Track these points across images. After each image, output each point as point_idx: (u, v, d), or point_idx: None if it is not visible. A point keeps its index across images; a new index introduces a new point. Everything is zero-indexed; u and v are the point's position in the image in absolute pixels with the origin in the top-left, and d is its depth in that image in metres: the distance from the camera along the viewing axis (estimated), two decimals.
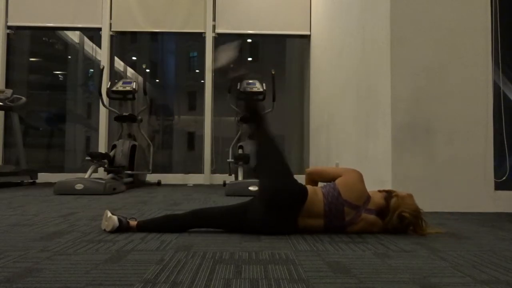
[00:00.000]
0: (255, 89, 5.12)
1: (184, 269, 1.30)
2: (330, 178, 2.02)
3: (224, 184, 5.00)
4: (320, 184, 2.13)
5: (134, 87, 5.02)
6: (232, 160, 4.84)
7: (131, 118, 5.11)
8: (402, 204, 1.89)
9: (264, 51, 7.35)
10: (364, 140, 3.43)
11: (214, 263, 1.38)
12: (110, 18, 6.10)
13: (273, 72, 5.13)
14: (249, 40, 7.05)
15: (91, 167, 4.40)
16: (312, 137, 5.94)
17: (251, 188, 3.96)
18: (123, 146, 4.93)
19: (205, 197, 3.83)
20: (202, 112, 6.17)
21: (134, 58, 7.19)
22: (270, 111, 5.23)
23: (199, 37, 6.21)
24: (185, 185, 5.62)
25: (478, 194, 2.88)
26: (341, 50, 4.29)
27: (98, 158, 4.47)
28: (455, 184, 2.86)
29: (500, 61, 3.04)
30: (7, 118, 5.87)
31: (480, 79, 2.94)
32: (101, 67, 5.36)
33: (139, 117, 5.23)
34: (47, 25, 6.14)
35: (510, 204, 2.91)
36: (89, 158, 4.43)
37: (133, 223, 1.91)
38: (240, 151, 5.03)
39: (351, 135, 3.82)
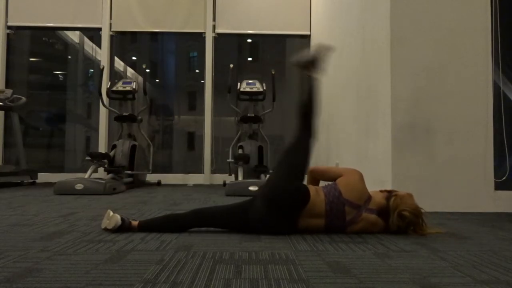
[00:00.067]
0: (255, 89, 5.12)
1: (184, 269, 1.30)
2: (331, 178, 2.03)
3: (224, 184, 5.01)
4: (321, 184, 2.13)
5: (134, 87, 5.03)
6: (232, 160, 4.84)
7: (131, 118, 5.11)
8: (401, 203, 1.89)
9: (264, 51, 7.34)
10: (364, 140, 3.43)
11: (214, 263, 1.38)
12: (110, 18, 6.10)
13: (273, 72, 5.13)
14: (249, 40, 7.05)
15: (91, 167, 4.40)
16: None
17: (251, 188, 3.96)
18: (123, 146, 4.93)
19: (205, 197, 3.83)
20: (202, 112, 6.17)
21: (134, 58, 7.19)
22: (270, 111, 5.24)
23: (199, 37, 6.21)
24: (185, 185, 5.62)
25: (478, 194, 2.88)
26: (341, 50, 4.29)
27: (98, 158, 4.47)
28: (455, 184, 2.86)
29: (500, 61, 3.04)
30: (7, 118, 5.87)
31: (480, 79, 2.94)
32: (101, 67, 5.36)
33: (139, 117, 5.23)
34: (47, 25, 6.14)
35: (510, 204, 2.91)
36: (89, 158, 4.43)
37: (134, 223, 1.92)
38: (240, 151, 5.03)
39: (351, 135, 3.82)
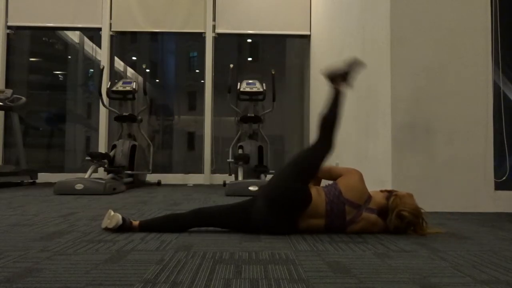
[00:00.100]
0: (255, 89, 5.12)
1: (184, 269, 1.30)
2: (331, 177, 2.03)
3: (224, 184, 5.00)
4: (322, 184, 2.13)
5: (134, 87, 5.02)
6: (232, 160, 4.84)
7: (131, 118, 5.11)
8: (400, 203, 1.89)
9: (264, 51, 7.34)
10: (364, 140, 3.43)
11: (214, 263, 1.38)
12: (110, 18, 6.10)
13: (273, 72, 5.13)
14: (249, 40, 7.05)
15: (91, 167, 4.40)
16: (312, 137, 5.93)
17: (251, 188, 3.96)
18: (123, 146, 4.93)
19: (205, 197, 3.83)
20: (202, 112, 6.17)
21: (134, 58, 7.19)
22: (270, 111, 5.24)
23: (199, 37, 6.21)
24: (185, 185, 5.62)
25: (478, 194, 2.88)
26: (341, 50, 4.29)
27: (98, 158, 4.47)
28: (455, 184, 2.86)
29: (500, 61, 3.04)
30: (7, 118, 5.87)
31: (480, 79, 2.94)
32: (101, 67, 5.36)
33: (139, 117, 5.23)
34: (47, 25, 6.14)
35: (510, 204, 2.91)
36: (89, 158, 4.43)
37: (135, 223, 1.92)
38: (240, 151, 5.03)
39: (351, 135, 3.82)
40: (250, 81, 5.22)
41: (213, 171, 6.02)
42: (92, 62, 6.81)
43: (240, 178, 4.51)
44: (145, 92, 5.20)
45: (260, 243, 1.70)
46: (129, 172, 4.80)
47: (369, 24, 3.39)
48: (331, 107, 2.10)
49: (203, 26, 6.14)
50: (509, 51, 3.08)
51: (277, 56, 7.14)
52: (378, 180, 2.96)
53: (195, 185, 5.53)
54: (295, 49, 6.89)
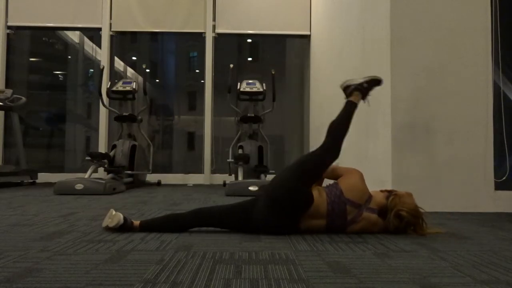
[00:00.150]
0: (255, 89, 5.12)
1: (184, 269, 1.30)
2: (332, 177, 2.03)
3: (224, 184, 5.00)
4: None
5: (134, 87, 5.02)
6: (232, 160, 4.84)
7: (131, 118, 5.11)
8: (399, 202, 1.89)
9: (264, 51, 7.35)
10: (364, 140, 3.42)
11: (214, 263, 1.38)
12: (110, 18, 6.10)
13: (273, 72, 5.13)
14: (249, 40, 7.06)
15: (91, 167, 4.40)
16: (312, 137, 5.93)
17: (251, 188, 3.96)
18: (123, 146, 4.93)
19: (205, 197, 3.83)
20: (202, 112, 6.17)
21: (134, 58, 7.19)
22: (270, 111, 5.24)
23: (199, 37, 6.21)
24: (185, 185, 5.62)
25: (478, 194, 2.88)
26: (341, 50, 4.29)
27: (98, 158, 4.47)
28: (455, 184, 2.86)
29: (500, 61, 3.04)
30: (7, 118, 5.87)
31: (480, 79, 2.94)
32: (101, 67, 5.36)
33: (139, 117, 5.23)
34: (47, 25, 6.14)
35: (510, 204, 2.91)
36: (89, 158, 4.43)
37: (136, 222, 1.92)
38: (240, 151, 5.03)
39: (351, 135, 3.79)
40: (250, 81, 5.22)
41: (213, 171, 6.02)
42: (92, 62, 6.81)
43: (240, 178, 4.51)
44: (145, 92, 5.20)
45: (260, 243, 1.70)
46: (129, 172, 4.80)
47: (369, 24, 3.39)
48: (343, 117, 2.15)
49: (203, 26, 6.14)
50: (509, 51, 3.08)
51: (277, 56, 7.14)
52: (378, 180, 2.96)
53: (195, 185, 5.53)
54: (295, 49, 6.89)
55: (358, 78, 2.26)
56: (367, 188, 1.95)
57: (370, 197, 1.93)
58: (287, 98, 6.71)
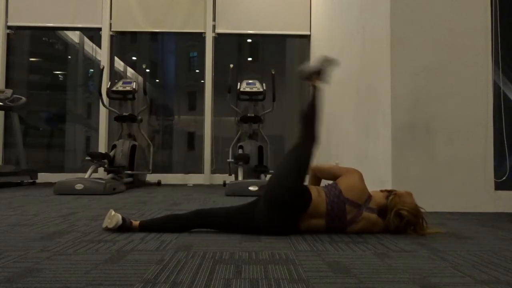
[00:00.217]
0: (255, 89, 5.12)
1: (184, 269, 1.30)
2: (331, 177, 2.03)
3: (224, 184, 5.00)
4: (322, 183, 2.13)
5: (134, 87, 5.03)
6: (232, 160, 4.84)
7: (131, 118, 5.11)
8: (399, 202, 1.89)
9: (264, 51, 7.34)
10: (364, 140, 3.43)
11: (214, 263, 1.38)
12: (110, 18, 6.10)
13: (273, 72, 5.13)
14: (249, 40, 7.05)
15: (91, 167, 4.40)
16: None
17: (251, 188, 3.96)
18: (123, 146, 4.93)
19: (205, 197, 3.83)
20: (202, 112, 6.17)
21: (134, 58, 7.19)
22: (270, 111, 5.24)
23: (199, 37, 6.21)
24: (185, 185, 5.62)
25: (478, 194, 2.88)
26: (341, 50, 4.29)
27: (98, 158, 4.47)
28: (455, 184, 2.86)
29: (500, 61, 3.04)
30: (7, 118, 5.87)
31: (480, 79, 2.94)
32: (101, 67, 5.36)
33: (139, 117, 5.23)
34: (47, 25, 6.14)
35: (510, 204, 2.91)
36: (89, 158, 4.43)
37: (135, 223, 1.92)
38: (240, 151, 5.03)
39: (351, 135, 3.82)
40: (250, 81, 5.23)
41: (213, 171, 6.02)
42: (92, 62, 6.81)
43: (240, 178, 4.51)
44: (145, 92, 5.20)
45: (260, 243, 1.70)
46: (129, 172, 4.80)
47: (369, 24, 3.39)
48: (309, 103, 2.14)
49: (203, 26, 6.14)
50: (509, 51, 3.08)
51: (277, 56, 7.14)
52: (378, 180, 2.96)
53: (195, 185, 5.53)
54: (295, 49, 6.89)
55: (311, 63, 2.29)
56: (367, 188, 1.95)
57: (369, 197, 1.93)
58: (287, 98, 6.71)
